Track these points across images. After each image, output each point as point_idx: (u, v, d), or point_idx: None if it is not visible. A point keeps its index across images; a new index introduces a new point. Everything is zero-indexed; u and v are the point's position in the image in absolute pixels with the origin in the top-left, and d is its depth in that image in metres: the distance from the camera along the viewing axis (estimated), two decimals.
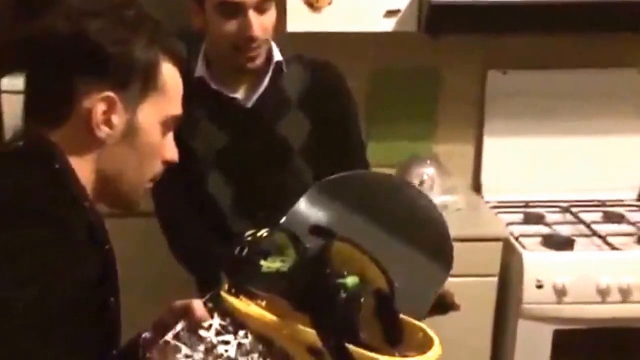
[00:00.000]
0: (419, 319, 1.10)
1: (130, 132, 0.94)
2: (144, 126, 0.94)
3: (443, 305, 1.31)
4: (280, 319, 0.91)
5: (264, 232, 0.96)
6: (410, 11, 2.22)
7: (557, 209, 2.49)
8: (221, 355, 0.91)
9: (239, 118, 1.57)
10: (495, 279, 2.23)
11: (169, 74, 0.97)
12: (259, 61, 1.53)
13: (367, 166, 1.72)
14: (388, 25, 2.23)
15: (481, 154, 2.62)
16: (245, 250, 0.94)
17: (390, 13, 2.23)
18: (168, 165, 1.01)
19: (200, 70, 1.56)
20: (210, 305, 0.95)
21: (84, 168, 0.92)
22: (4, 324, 0.76)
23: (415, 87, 2.58)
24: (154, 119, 0.95)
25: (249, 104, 1.57)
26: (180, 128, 1.52)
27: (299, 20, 2.17)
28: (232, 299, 0.93)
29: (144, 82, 0.93)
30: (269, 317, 0.92)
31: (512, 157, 2.59)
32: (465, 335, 2.10)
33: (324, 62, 1.66)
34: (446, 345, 2.13)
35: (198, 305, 0.95)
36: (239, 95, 1.58)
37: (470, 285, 2.17)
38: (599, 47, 2.52)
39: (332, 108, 1.62)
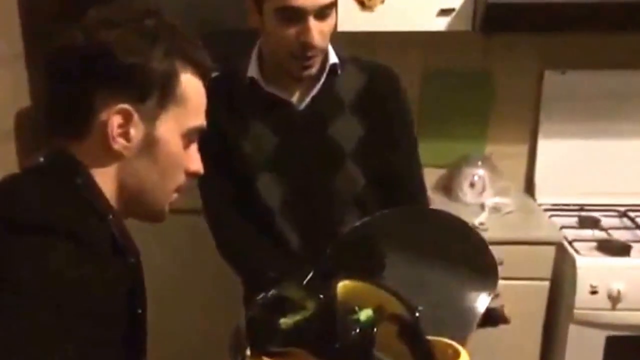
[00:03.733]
0: (467, 334, 1.13)
1: (150, 144, 0.91)
2: (164, 139, 0.92)
3: (493, 318, 1.30)
4: None
5: (273, 292, 0.99)
6: (465, 10, 2.19)
7: (613, 214, 2.43)
8: None
9: (290, 120, 1.54)
10: (547, 283, 2.19)
11: (190, 85, 0.93)
12: (315, 69, 1.49)
13: (420, 172, 1.68)
14: (442, 24, 2.20)
15: (535, 156, 2.57)
16: (259, 313, 0.97)
17: (444, 12, 2.20)
18: (193, 177, 0.99)
19: (252, 70, 1.54)
20: None
21: (106, 181, 0.91)
22: (30, 341, 0.76)
23: (468, 87, 2.54)
24: (174, 132, 0.93)
25: (302, 107, 1.54)
26: (231, 127, 1.55)
27: (351, 19, 2.16)
28: None
29: (162, 94, 0.90)
30: None
31: (568, 159, 2.53)
32: (515, 339, 2.07)
33: (379, 65, 1.61)
34: (495, 348, 2.10)
35: None
36: (292, 97, 1.55)
37: (522, 288, 2.15)
38: None
39: (386, 112, 1.57)
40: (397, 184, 1.63)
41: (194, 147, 0.99)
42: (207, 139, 1.56)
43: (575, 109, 2.50)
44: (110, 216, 0.91)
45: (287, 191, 1.57)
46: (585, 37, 2.45)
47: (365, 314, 0.91)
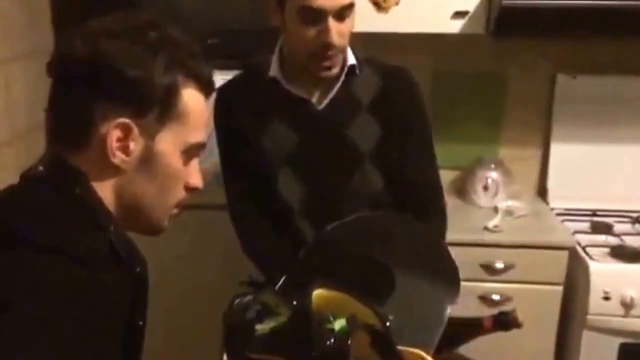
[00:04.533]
0: (433, 341, 1.16)
1: (149, 159, 0.90)
2: (163, 154, 0.90)
3: (505, 321, 1.29)
4: None
5: (249, 297, 0.98)
6: (479, 13, 2.19)
7: (626, 219, 2.41)
8: None
9: (309, 120, 1.56)
10: (560, 288, 2.17)
11: (192, 100, 0.91)
12: (335, 70, 1.52)
13: (436, 173, 1.69)
14: (455, 26, 2.20)
15: (548, 160, 2.56)
16: (236, 318, 0.97)
17: (458, 14, 2.20)
18: (192, 192, 0.97)
19: (274, 70, 1.56)
20: None
21: (105, 193, 0.90)
22: (30, 349, 0.75)
23: (481, 90, 2.54)
24: (174, 147, 0.91)
25: (320, 107, 1.56)
26: (251, 124, 1.57)
27: (366, 20, 2.14)
28: None
29: (163, 108, 0.89)
30: None
31: (580, 163, 2.52)
32: (528, 344, 2.06)
33: (396, 67, 1.63)
34: (508, 353, 2.07)
35: None
36: (312, 97, 1.57)
37: (534, 292, 2.14)
38: None
39: (402, 113, 1.59)
40: (413, 185, 1.63)
41: (194, 162, 0.97)
42: (228, 136, 1.60)
43: (587, 114, 2.49)
44: (112, 227, 0.89)
45: (306, 190, 1.58)
46: (597, 42, 2.44)
47: (339, 324, 0.91)
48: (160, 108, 0.88)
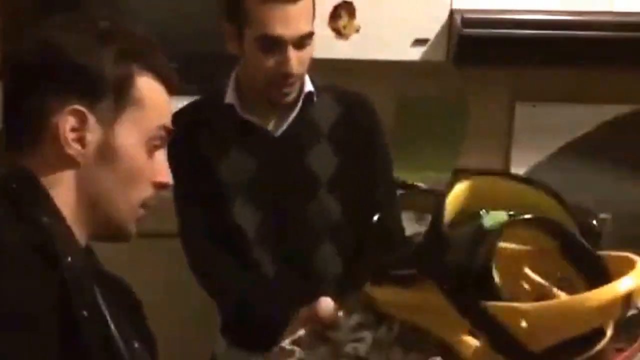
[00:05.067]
0: None
1: (108, 151, 0.86)
2: (124, 145, 0.86)
3: None
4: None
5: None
6: (439, 41, 2.21)
7: None
8: (347, 354, 0.83)
9: (266, 147, 1.54)
10: None
11: (149, 88, 0.89)
12: (293, 96, 1.51)
13: (394, 202, 1.68)
14: (416, 54, 2.22)
15: None
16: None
17: (418, 42, 2.21)
18: (161, 188, 0.92)
19: (230, 97, 1.54)
20: (346, 302, 0.88)
21: (66, 197, 0.85)
22: None
23: (441, 118, 2.55)
24: (134, 137, 0.87)
25: (278, 134, 1.54)
26: (209, 151, 1.54)
27: (326, 47, 2.15)
28: (374, 290, 0.81)
29: (117, 97, 0.86)
30: (417, 301, 0.77)
31: None
32: None
33: (355, 94, 1.63)
34: None
35: (326, 305, 0.89)
36: (268, 124, 1.55)
37: None
38: (632, 83, 2.46)
39: (362, 143, 1.58)
40: (373, 215, 1.61)
41: (160, 156, 0.92)
42: (186, 162, 1.55)
43: (546, 142, 2.52)
44: (45, 218, 0.81)
45: (262, 217, 1.55)
46: (556, 71, 2.48)
47: (493, 218, 0.67)
48: (114, 96, 0.86)
